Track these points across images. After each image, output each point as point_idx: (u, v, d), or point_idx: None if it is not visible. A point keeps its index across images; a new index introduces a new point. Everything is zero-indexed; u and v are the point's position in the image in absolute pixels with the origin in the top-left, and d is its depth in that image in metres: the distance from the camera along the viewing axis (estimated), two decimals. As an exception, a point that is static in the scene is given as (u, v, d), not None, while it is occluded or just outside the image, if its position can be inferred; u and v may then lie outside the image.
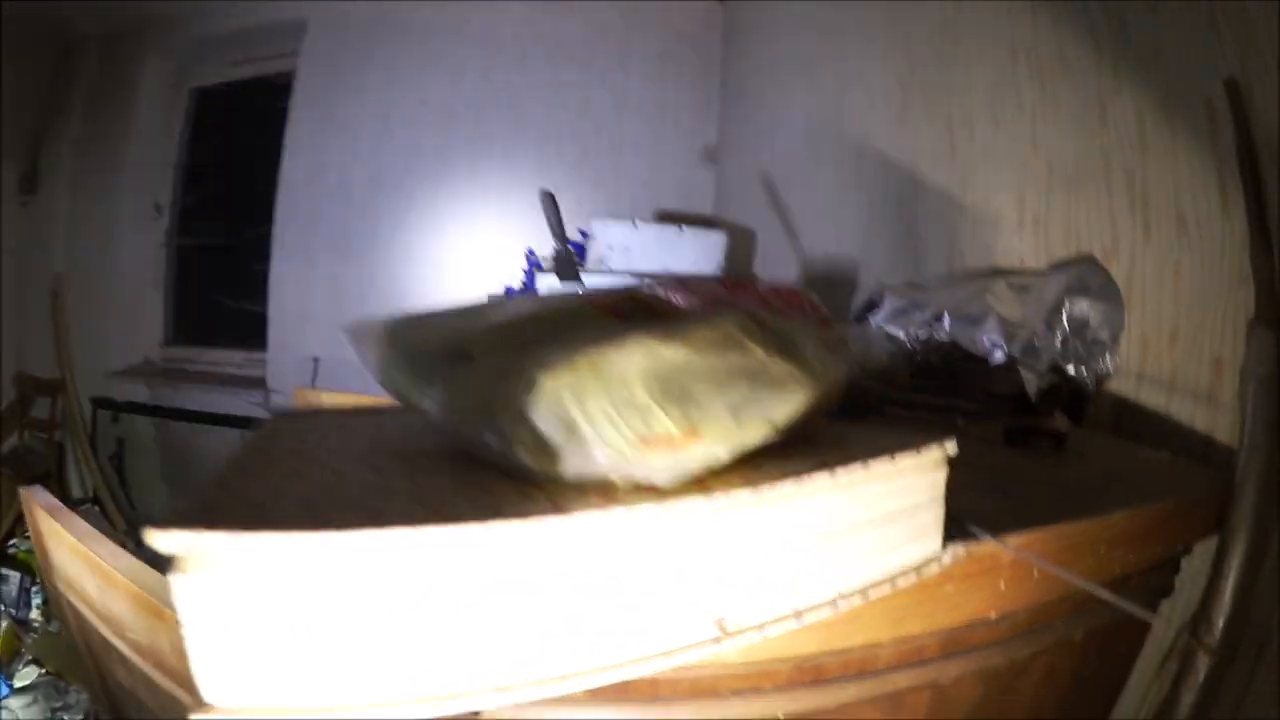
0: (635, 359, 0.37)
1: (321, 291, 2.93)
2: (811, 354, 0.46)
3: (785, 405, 0.41)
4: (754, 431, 0.39)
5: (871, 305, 1.52)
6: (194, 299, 3.34)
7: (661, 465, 0.35)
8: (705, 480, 0.36)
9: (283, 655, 0.30)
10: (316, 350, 2.74)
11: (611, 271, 2.27)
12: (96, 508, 2.85)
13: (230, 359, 3.19)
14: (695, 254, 2.43)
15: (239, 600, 0.29)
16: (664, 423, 0.35)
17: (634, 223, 2.45)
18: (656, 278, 0.57)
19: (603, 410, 0.35)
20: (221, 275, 3.27)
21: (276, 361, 2.95)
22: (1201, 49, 0.89)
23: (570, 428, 0.34)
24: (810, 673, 0.52)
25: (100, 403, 3.07)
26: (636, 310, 0.46)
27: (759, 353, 0.42)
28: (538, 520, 0.31)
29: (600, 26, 3.16)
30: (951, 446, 0.45)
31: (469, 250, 3.01)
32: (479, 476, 0.38)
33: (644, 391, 0.36)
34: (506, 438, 0.36)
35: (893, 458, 0.41)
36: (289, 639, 0.30)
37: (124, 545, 0.68)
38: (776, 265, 2.51)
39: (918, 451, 0.43)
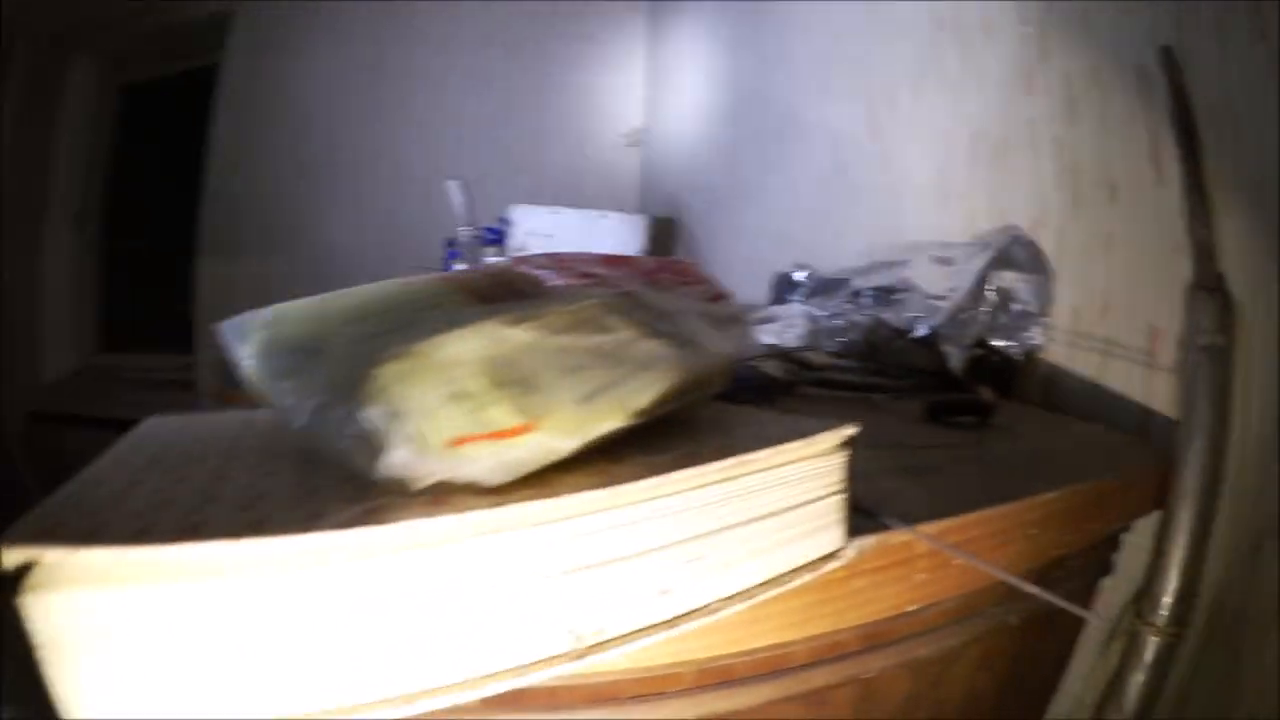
0: (474, 344, 0.33)
1: (247, 289, 2.78)
2: (693, 332, 0.43)
3: (650, 389, 0.38)
4: (608, 419, 0.35)
5: (791, 283, 1.52)
6: (125, 304, 3.25)
7: (487, 461, 0.31)
8: (550, 477, 0.33)
9: (132, 674, 0.27)
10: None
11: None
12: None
13: (162, 363, 3.10)
14: (617, 239, 2.43)
15: (79, 620, 0.27)
16: (494, 413, 0.31)
17: (556, 209, 2.45)
18: (532, 256, 0.53)
19: (429, 401, 0.31)
20: (151, 277, 3.18)
21: (203, 364, 2.85)
22: (1134, 15, 0.88)
23: (395, 421, 0.31)
24: (718, 674, 0.49)
25: (35, 416, 2.98)
26: (501, 291, 0.42)
27: (625, 333, 0.38)
28: (348, 531, 0.28)
29: (524, 11, 3.11)
30: (850, 430, 0.41)
31: (392, 241, 2.94)
32: (317, 479, 0.35)
33: (476, 379, 0.32)
34: (338, 434, 0.33)
35: (776, 446, 0.38)
36: (137, 658, 0.27)
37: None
38: (701, 250, 2.53)
39: (807, 438, 0.39)
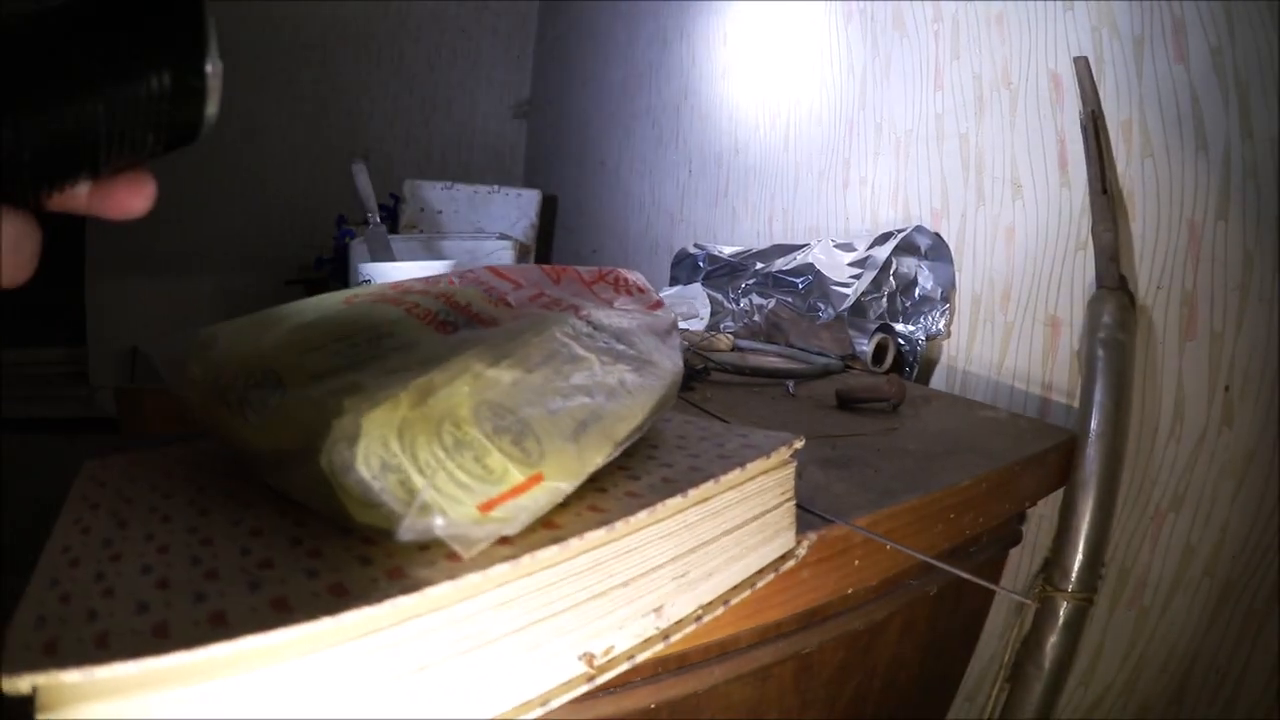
0: (464, 389, 0.33)
1: (137, 273, 2.69)
2: (648, 350, 0.45)
3: (628, 418, 0.40)
4: (599, 454, 0.37)
5: (692, 266, 1.53)
6: (16, 294, 3.04)
7: (509, 517, 0.32)
8: (554, 519, 0.35)
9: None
10: (135, 339, 2.50)
11: (423, 233, 2.24)
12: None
13: (54, 356, 2.93)
14: (508, 213, 2.40)
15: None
16: (501, 464, 0.32)
17: (448, 184, 2.40)
18: (471, 272, 0.52)
19: (435, 458, 0.31)
20: (42, 265, 2.98)
21: (96, 355, 2.71)
22: (1051, 23, 0.92)
23: (403, 482, 0.31)
24: (674, 661, 0.52)
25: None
26: (459, 318, 0.43)
27: (593, 361, 0.40)
28: (384, 604, 0.28)
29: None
30: (799, 443, 0.45)
31: (282, 218, 2.87)
32: (308, 535, 0.35)
33: (476, 429, 0.32)
34: (329, 490, 0.32)
35: (743, 466, 0.41)
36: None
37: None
38: (581, 219, 2.55)
39: (767, 455, 0.43)
